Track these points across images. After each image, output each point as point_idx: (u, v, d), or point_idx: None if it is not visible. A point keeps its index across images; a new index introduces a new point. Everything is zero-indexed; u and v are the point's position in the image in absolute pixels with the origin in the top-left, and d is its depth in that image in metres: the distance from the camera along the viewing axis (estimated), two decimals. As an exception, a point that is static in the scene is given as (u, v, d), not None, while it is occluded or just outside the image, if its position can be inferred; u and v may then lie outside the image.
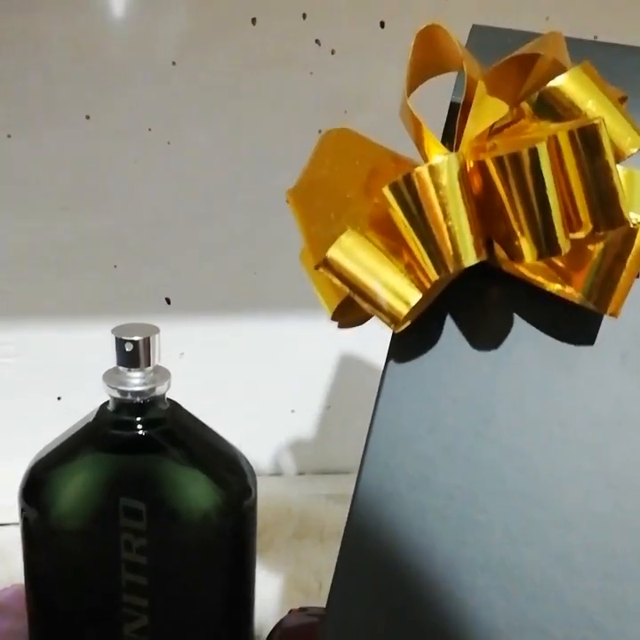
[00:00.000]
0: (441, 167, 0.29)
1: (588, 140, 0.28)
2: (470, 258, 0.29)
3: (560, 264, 0.31)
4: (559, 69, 0.30)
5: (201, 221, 0.58)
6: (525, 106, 0.31)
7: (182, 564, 0.38)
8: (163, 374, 0.39)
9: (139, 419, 0.38)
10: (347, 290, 0.30)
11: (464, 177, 0.29)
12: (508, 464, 0.32)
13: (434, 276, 0.29)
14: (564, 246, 0.29)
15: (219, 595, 0.40)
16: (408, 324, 0.31)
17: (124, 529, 0.37)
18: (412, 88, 0.32)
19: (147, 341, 0.37)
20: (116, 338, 0.37)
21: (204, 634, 0.40)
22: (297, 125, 0.56)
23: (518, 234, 0.29)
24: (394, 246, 0.30)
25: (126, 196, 0.56)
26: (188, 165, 0.56)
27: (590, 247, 0.31)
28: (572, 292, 0.31)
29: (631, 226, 0.30)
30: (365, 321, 0.33)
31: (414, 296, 0.30)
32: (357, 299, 0.30)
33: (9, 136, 0.54)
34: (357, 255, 0.30)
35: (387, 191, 0.29)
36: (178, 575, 0.38)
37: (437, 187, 0.29)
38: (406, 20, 0.55)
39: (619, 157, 0.30)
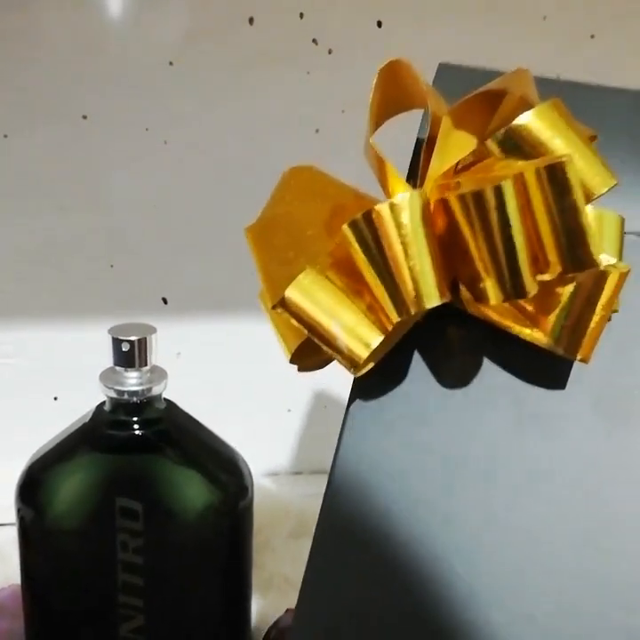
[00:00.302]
0: (402, 205, 0.28)
1: (555, 178, 0.27)
2: (433, 299, 0.28)
3: (528, 307, 0.30)
4: (526, 106, 0.29)
5: (198, 221, 0.57)
6: (492, 143, 0.29)
7: (179, 564, 0.38)
8: (159, 374, 0.39)
9: (135, 419, 0.38)
10: (305, 331, 0.29)
11: (427, 215, 0.28)
12: (473, 514, 0.30)
13: (395, 317, 0.28)
14: (531, 289, 0.28)
15: (215, 594, 0.40)
16: (369, 367, 0.30)
17: (121, 529, 0.37)
18: (376, 125, 0.31)
19: (143, 341, 0.37)
20: (113, 338, 0.37)
21: (199, 634, 0.40)
22: (294, 125, 0.56)
23: (483, 275, 0.28)
24: (355, 287, 0.29)
25: (123, 195, 0.56)
26: (184, 165, 0.56)
27: (559, 290, 0.30)
28: (540, 337, 0.30)
29: (602, 268, 0.29)
30: (326, 364, 0.32)
31: (375, 339, 0.29)
32: (316, 341, 0.29)
33: (6, 136, 0.54)
34: (316, 295, 0.29)
35: (346, 229, 0.28)
36: (174, 575, 0.38)
37: (399, 225, 0.28)
38: (404, 19, 0.56)
39: (588, 197, 0.29)
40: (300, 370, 0.34)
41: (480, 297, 0.28)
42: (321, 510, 0.31)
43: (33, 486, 0.38)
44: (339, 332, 0.29)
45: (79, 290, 0.57)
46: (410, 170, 0.33)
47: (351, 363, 0.29)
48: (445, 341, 0.32)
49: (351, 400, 0.32)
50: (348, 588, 0.30)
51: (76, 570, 0.38)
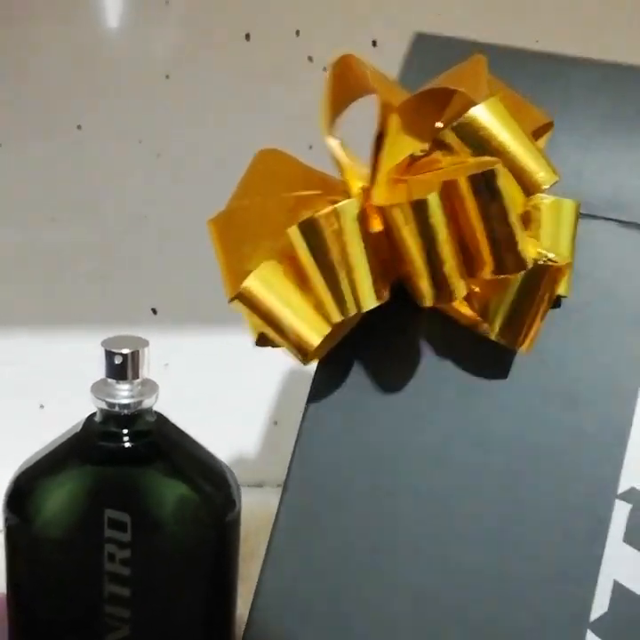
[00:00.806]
0: (338, 211, 0.29)
1: (486, 185, 0.28)
2: (369, 302, 0.30)
3: (477, 292, 0.32)
4: (475, 101, 0.30)
5: (189, 233, 0.58)
6: (442, 137, 0.31)
7: (165, 575, 0.38)
8: (151, 387, 0.39)
9: (125, 431, 0.38)
10: (259, 324, 0.30)
11: (363, 220, 0.29)
12: (424, 492, 0.32)
13: (336, 317, 0.30)
14: (460, 293, 0.29)
15: (201, 606, 0.40)
16: (318, 357, 0.32)
17: (109, 540, 0.37)
18: (330, 122, 0.32)
19: (136, 354, 0.38)
20: (106, 350, 0.38)
21: (184, 645, 0.40)
22: (288, 141, 0.56)
23: (416, 277, 0.29)
24: (305, 282, 0.31)
25: (115, 206, 0.56)
26: (177, 178, 0.56)
27: (501, 283, 0.31)
28: (486, 328, 0.32)
29: (540, 263, 0.30)
30: None
31: (324, 331, 0.30)
32: (269, 331, 0.31)
33: (0, 145, 0.54)
34: (272, 287, 0.30)
35: (292, 232, 0.29)
36: (161, 587, 0.38)
37: (337, 231, 0.29)
38: (398, 39, 0.56)
39: (532, 191, 0.30)
40: (271, 346, 0.35)
41: (417, 295, 0.30)
42: (289, 467, 0.34)
43: (21, 495, 0.38)
44: (290, 323, 0.30)
45: (69, 299, 0.58)
46: (371, 158, 0.34)
47: (300, 352, 0.31)
48: (399, 328, 0.34)
49: (313, 386, 0.34)
50: (311, 549, 0.33)
51: (63, 580, 0.38)
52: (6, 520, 0.39)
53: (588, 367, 0.33)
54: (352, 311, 0.30)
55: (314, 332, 0.30)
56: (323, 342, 0.31)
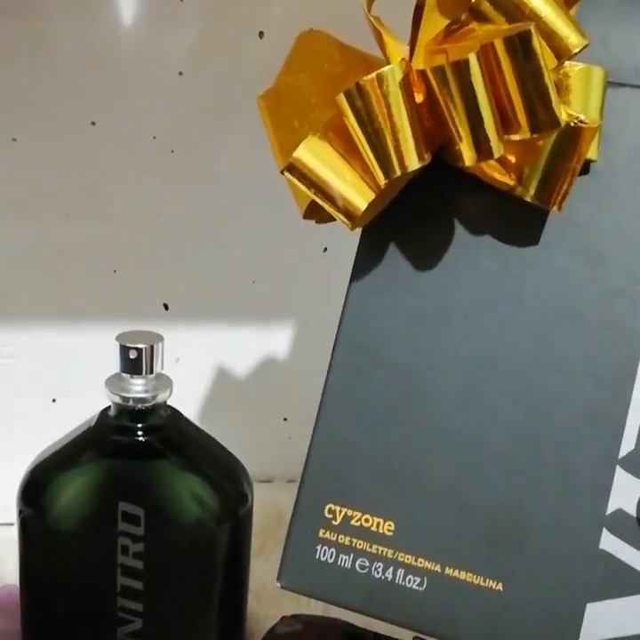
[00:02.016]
0: (384, 76, 0.31)
1: (522, 46, 0.30)
2: (413, 163, 0.31)
3: (513, 161, 0.33)
4: None
5: (201, 229, 0.58)
6: (477, 4, 0.32)
7: (178, 569, 0.39)
8: (164, 382, 0.39)
9: (139, 425, 0.39)
10: (309, 193, 0.32)
11: (407, 85, 0.31)
12: (464, 347, 0.35)
13: (382, 180, 0.32)
14: (497, 151, 0.31)
15: (212, 600, 0.40)
16: (364, 223, 0.33)
17: (122, 533, 0.37)
18: None
19: (150, 349, 0.38)
20: (121, 345, 0.38)
21: (196, 639, 0.41)
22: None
23: (457, 139, 0.31)
24: (352, 150, 0.32)
25: (128, 202, 0.57)
26: (190, 174, 0.57)
27: (536, 144, 0.33)
28: (521, 189, 0.34)
29: (572, 125, 0.32)
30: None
31: (370, 196, 0.32)
32: (318, 199, 0.32)
33: (14, 139, 0.54)
34: (321, 156, 0.32)
35: (341, 99, 0.31)
36: (173, 580, 0.39)
37: (382, 95, 0.31)
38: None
39: (563, 56, 0.32)
40: (317, 222, 0.37)
41: (457, 158, 0.32)
42: (338, 333, 0.36)
43: (36, 488, 0.39)
44: (338, 189, 0.32)
45: (82, 294, 0.58)
46: (411, 32, 0.35)
47: (348, 217, 0.32)
48: (439, 196, 0.36)
49: (358, 253, 0.36)
50: (362, 404, 0.35)
51: (76, 573, 0.39)
52: (20, 513, 0.39)
53: (617, 227, 0.35)
54: (397, 172, 0.31)
55: (361, 197, 0.32)
56: (368, 209, 0.32)
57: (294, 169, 0.32)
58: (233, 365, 0.61)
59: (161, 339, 0.39)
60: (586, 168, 0.35)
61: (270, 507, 0.57)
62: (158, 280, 0.59)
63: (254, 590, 0.49)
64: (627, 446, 0.34)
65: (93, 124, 0.55)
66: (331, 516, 0.35)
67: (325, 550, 0.35)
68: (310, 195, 0.32)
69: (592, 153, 0.34)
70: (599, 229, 0.35)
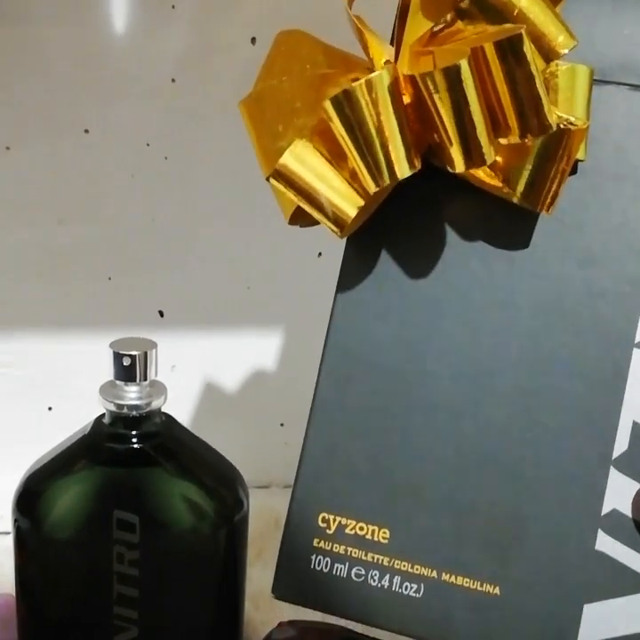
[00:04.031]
0: (373, 82, 0.30)
1: (512, 50, 0.29)
2: (404, 170, 0.31)
3: (500, 162, 0.33)
4: None
5: (195, 236, 0.58)
6: (464, 4, 0.32)
7: (174, 576, 0.39)
8: (159, 389, 0.39)
9: (134, 432, 0.38)
10: (296, 200, 0.32)
11: (395, 90, 0.30)
12: (454, 351, 0.35)
13: (372, 188, 0.31)
14: (490, 157, 0.30)
15: (209, 607, 0.40)
16: (353, 230, 0.33)
17: (117, 541, 0.37)
18: None
19: (144, 356, 0.38)
20: (114, 352, 0.38)
21: (192, 646, 0.41)
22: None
23: (447, 144, 0.30)
24: (338, 157, 0.32)
25: (123, 209, 0.57)
26: (184, 180, 0.57)
27: (524, 146, 0.32)
28: (509, 191, 0.33)
29: (562, 127, 0.31)
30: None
31: (359, 203, 0.32)
32: (305, 206, 0.32)
33: (8, 148, 0.54)
34: (307, 163, 0.32)
35: (328, 105, 0.30)
36: (169, 587, 0.39)
37: (371, 102, 0.30)
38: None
39: (552, 58, 0.31)
40: (301, 226, 0.36)
41: (446, 161, 0.31)
42: (326, 340, 0.36)
43: (31, 497, 0.39)
44: (326, 196, 0.32)
45: (76, 301, 0.58)
46: (393, 34, 0.35)
47: (337, 225, 0.32)
48: (428, 199, 0.35)
49: (344, 259, 0.36)
50: (351, 410, 0.35)
51: (72, 581, 0.38)
52: (16, 521, 0.39)
53: (605, 227, 0.35)
54: (387, 181, 0.31)
55: (350, 204, 0.31)
56: (356, 216, 0.32)
57: (280, 176, 0.32)
58: (229, 371, 0.61)
59: (154, 345, 0.38)
60: (574, 168, 0.34)
61: (267, 512, 0.57)
62: (153, 287, 0.58)
63: (251, 596, 0.49)
64: (620, 447, 0.34)
65: (87, 131, 0.55)
66: (324, 525, 0.35)
67: (320, 560, 0.35)
68: (297, 202, 0.32)
69: (580, 153, 0.34)
70: (587, 230, 0.35)
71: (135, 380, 0.38)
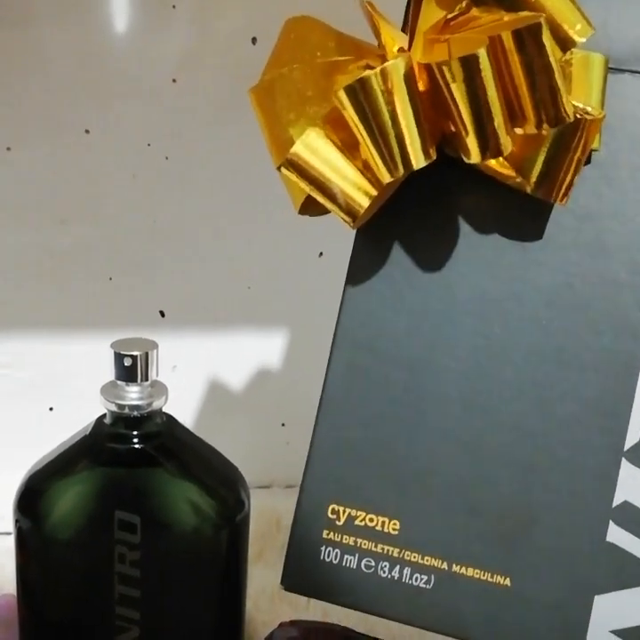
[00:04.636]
0: (388, 71, 0.29)
1: (531, 39, 0.29)
2: (419, 160, 0.30)
3: (514, 152, 0.32)
4: None
5: (197, 236, 0.58)
6: None
7: (175, 576, 0.39)
8: (160, 389, 0.39)
9: (135, 432, 0.38)
10: (308, 189, 0.31)
11: (411, 79, 0.29)
12: (467, 342, 0.35)
13: (386, 178, 0.30)
14: (506, 148, 0.30)
15: (210, 607, 0.40)
16: (364, 220, 0.32)
17: (119, 542, 0.37)
18: None
19: (145, 356, 0.38)
20: (115, 352, 0.38)
21: (194, 646, 0.41)
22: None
23: (463, 134, 0.30)
24: (351, 146, 0.31)
25: (123, 209, 0.57)
26: (185, 181, 0.57)
27: (540, 136, 0.32)
28: (522, 181, 0.33)
29: (578, 117, 0.31)
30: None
31: (372, 192, 0.31)
32: (317, 196, 0.31)
33: (8, 148, 0.54)
34: (320, 151, 0.31)
35: (341, 94, 0.30)
36: (170, 588, 0.39)
37: (387, 90, 0.29)
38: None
39: (569, 47, 0.31)
40: (311, 216, 0.35)
41: (463, 153, 0.30)
42: (336, 330, 0.35)
43: (32, 497, 0.39)
44: (339, 186, 0.31)
45: (77, 302, 0.58)
46: (404, 20, 0.34)
47: (350, 214, 0.31)
48: (440, 189, 0.35)
49: (355, 248, 0.35)
50: (361, 400, 0.35)
51: (73, 581, 0.38)
52: (17, 522, 0.39)
53: (618, 218, 0.34)
54: (402, 171, 0.30)
55: (362, 194, 0.31)
56: (369, 206, 0.31)
57: (292, 165, 0.31)
58: (230, 371, 0.61)
59: (155, 345, 0.38)
60: (588, 158, 0.34)
61: (269, 513, 0.57)
62: (154, 287, 0.58)
63: (252, 596, 0.49)
64: (632, 438, 0.34)
65: (87, 131, 0.55)
66: (334, 516, 0.35)
67: (330, 551, 0.35)
68: (309, 192, 0.31)
69: (595, 142, 0.33)
70: (601, 220, 0.34)
71: (136, 381, 0.38)
